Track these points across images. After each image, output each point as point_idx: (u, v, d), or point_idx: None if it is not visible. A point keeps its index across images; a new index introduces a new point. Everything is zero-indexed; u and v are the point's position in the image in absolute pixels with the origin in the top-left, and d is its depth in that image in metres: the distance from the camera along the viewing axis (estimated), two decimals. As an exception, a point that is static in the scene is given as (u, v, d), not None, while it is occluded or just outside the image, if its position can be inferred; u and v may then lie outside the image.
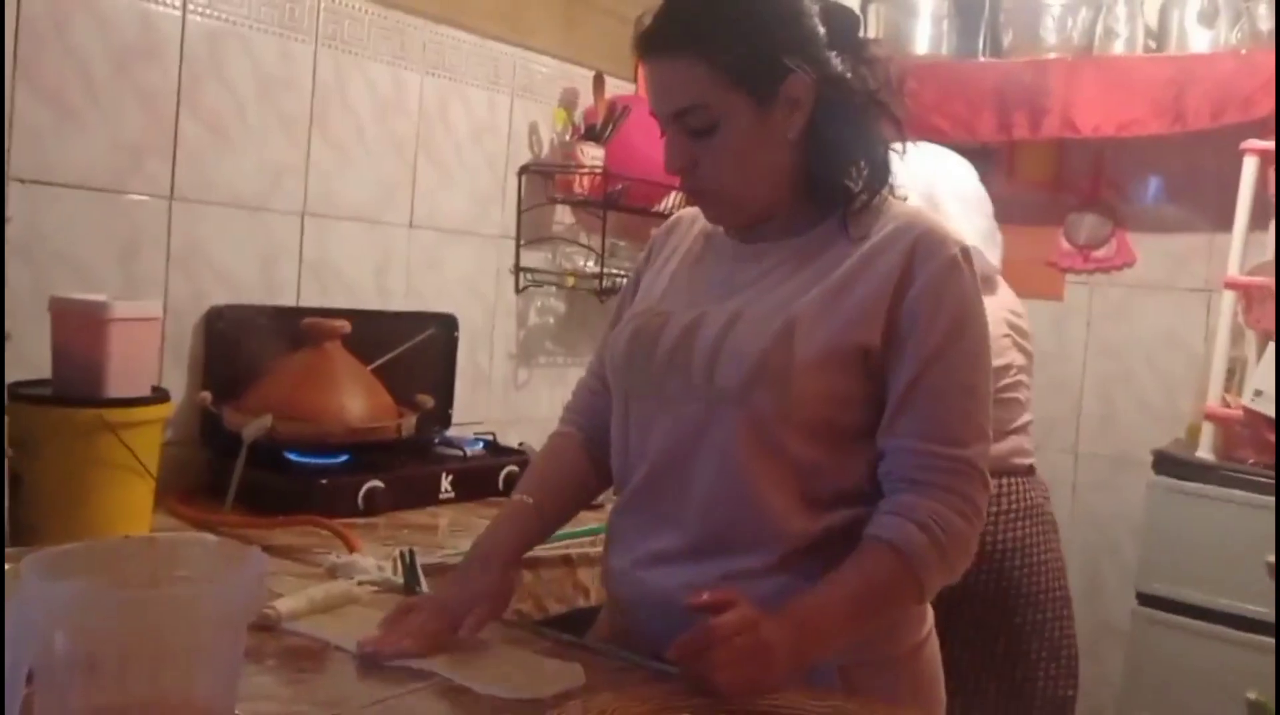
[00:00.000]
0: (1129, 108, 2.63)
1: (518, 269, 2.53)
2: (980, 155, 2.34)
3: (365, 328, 2.12)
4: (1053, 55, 2.75)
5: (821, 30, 1.14)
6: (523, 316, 2.58)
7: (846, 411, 1.14)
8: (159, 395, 1.60)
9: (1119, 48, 2.71)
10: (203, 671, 0.73)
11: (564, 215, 2.63)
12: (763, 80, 1.12)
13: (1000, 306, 1.94)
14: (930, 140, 2.17)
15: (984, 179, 2.11)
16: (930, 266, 1.13)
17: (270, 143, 2.01)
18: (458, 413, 2.40)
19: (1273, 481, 2.31)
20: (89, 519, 1.50)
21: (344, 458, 1.89)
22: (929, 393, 1.12)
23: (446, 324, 2.35)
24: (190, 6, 1.86)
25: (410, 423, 1.97)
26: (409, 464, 1.98)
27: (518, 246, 2.53)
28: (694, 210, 1.32)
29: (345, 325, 1.95)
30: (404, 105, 2.25)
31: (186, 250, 1.90)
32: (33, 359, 1.59)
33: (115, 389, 1.53)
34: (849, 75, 1.15)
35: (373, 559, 1.48)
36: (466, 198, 2.41)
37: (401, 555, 1.42)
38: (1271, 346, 2.41)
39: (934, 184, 1.95)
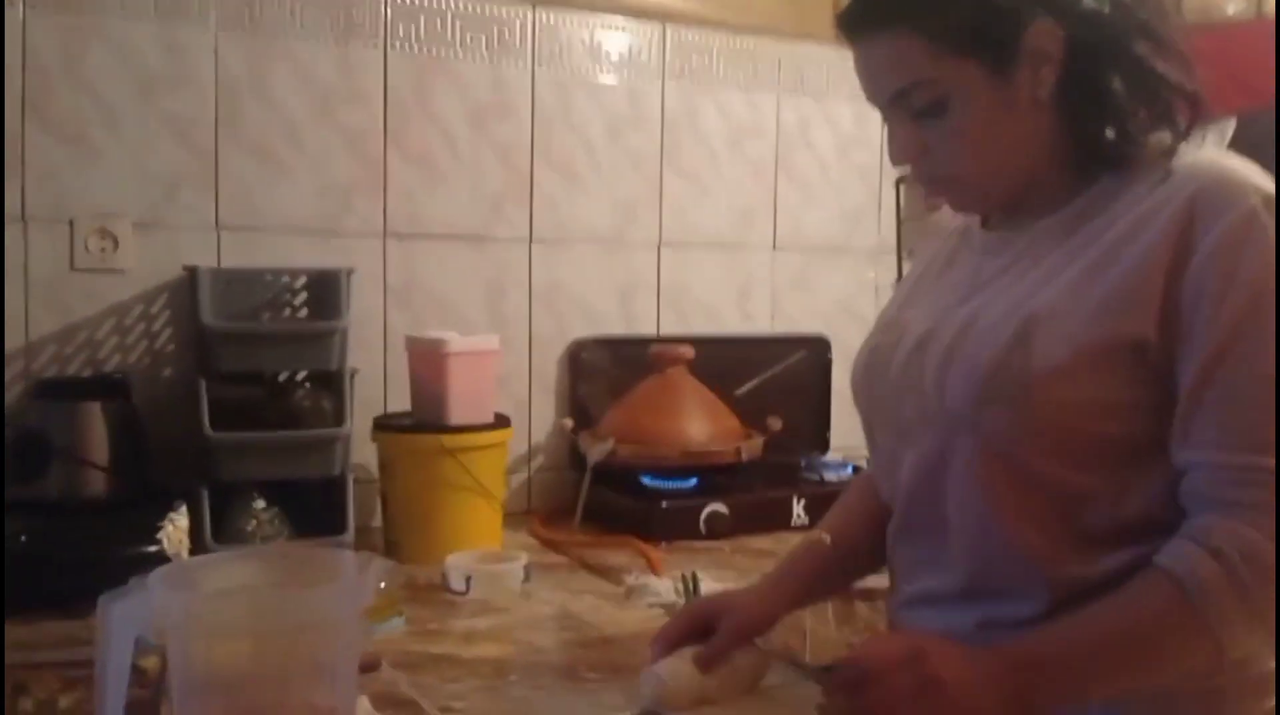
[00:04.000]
0: None
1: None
2: None
3: (728, 353, 2.15)
4: None
5: None
6: (909, 334, 2.44)
7: (1120, 423, 0.92)
8: (499, 421, 1.73)
9: None
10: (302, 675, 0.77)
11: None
12: (997, 39, 0.93)
13: None
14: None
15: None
16: (1219, 225, 0.88)
17: (622, 181, 2.11)
18: (839, 437, 2.32)
19: None
20: (440, 536, 1.64)
21: (693, 481, 1.90)
22: (1225, 388, 0.88)
23: (818, 346, 2.29)
24: (537, 65, 2.01)
25: (755, 446, 1.93)
26: (759, 488, 1.94)
27: (899, 260, 2.40)
28: None
29: (688, 351, 1.97)
30: (760, 128, 2.24)
31: (548, 287, 2.05)
32: (408, 393, 1.79)
33: (457, 417, 1.68)
34: (1107, 8, 0.95)
35: (669, 581, 1.46)
36: (834, 215, 2.34)
37: (684, 578, 1.40)
38: None
39: None
